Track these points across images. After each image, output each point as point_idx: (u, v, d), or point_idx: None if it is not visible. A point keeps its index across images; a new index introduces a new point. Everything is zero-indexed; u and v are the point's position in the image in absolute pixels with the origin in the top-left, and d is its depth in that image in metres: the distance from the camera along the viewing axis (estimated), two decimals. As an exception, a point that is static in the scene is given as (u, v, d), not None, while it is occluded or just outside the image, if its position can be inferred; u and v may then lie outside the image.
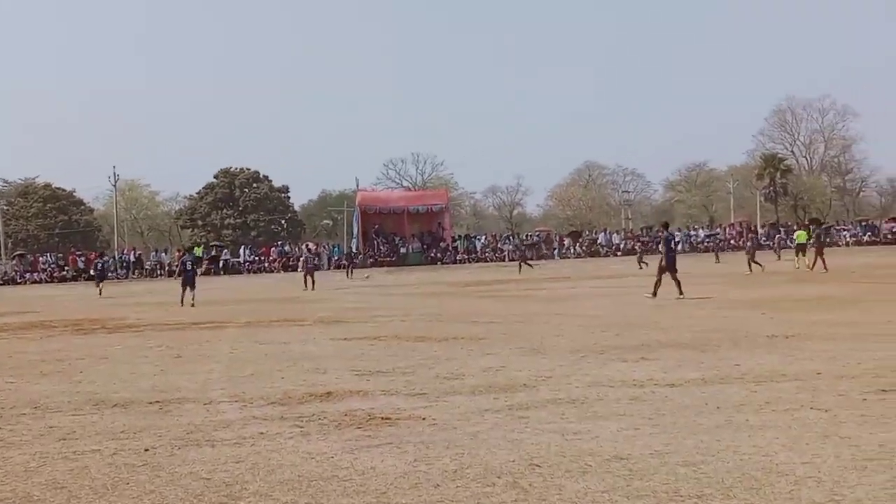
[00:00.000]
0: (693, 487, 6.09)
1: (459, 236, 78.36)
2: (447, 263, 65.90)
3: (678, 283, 24.45)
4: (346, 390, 10.57)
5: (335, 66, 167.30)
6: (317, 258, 55.79)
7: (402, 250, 69.89)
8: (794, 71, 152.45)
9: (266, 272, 67.15)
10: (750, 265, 38.90)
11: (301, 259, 48.77)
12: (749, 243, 43.29)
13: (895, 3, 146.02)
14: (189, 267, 32.56)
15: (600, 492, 6.08)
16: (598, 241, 73.82)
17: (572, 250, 70.46)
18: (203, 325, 21.37)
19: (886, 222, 78.52)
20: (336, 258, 69.97)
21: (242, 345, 16.48)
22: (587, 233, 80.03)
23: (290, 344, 16.34)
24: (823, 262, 38.28)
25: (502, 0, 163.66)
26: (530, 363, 12.39)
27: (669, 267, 24.94)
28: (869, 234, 73.68)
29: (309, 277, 41.00)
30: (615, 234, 76.78)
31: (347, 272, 55.98)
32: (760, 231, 75.58)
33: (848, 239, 72.35)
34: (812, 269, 37.82)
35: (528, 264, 48.46)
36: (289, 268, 68.07)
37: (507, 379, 11.07)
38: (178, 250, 74.60)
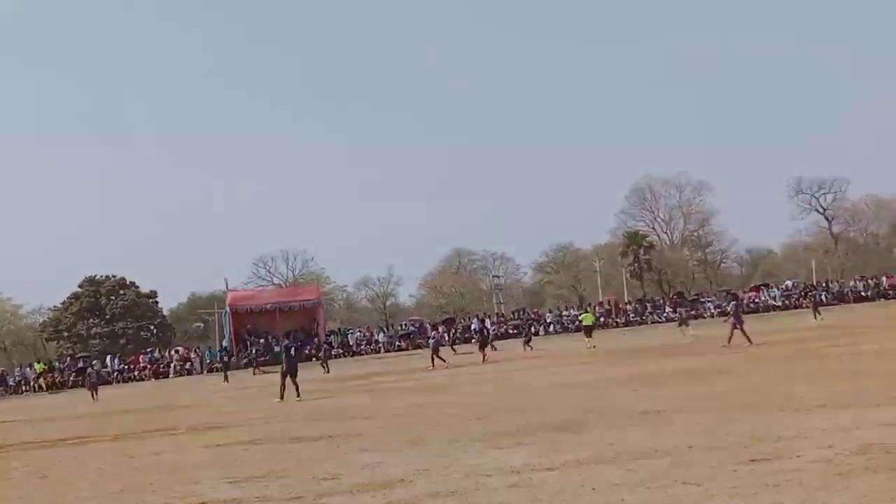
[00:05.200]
0: (572, 573, 6.10)
1: (333, 331, 77.82)
2: (330, 358, 65.26)
3: (295, 386, 27.27)
4: (219, 500, 10.32)
5: (200, 167, 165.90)
6: (97, 374, 55.41)
7: (276, 349, 68.98)
8: (651, 148, 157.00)
9: (136, 380, 65.27)
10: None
11: (87, 374, 53.95)
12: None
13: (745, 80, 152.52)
14: None
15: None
16: (472, 328, 73.97)
17: (447, 337, 70.51)
18: (70, 441, 20.65)
19: (747, 292, 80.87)
20: (209, 361, 68.63)
21: (113, 459, 15.97)
22: (461, 320, 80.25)
23: (162, 454, 15.91)
24: (483, 353, 41.62)
25: (369, 88, 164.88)
26: (408, 457, 12.31)
27: (290, 371, 27.70)
28: (732, 303, 75.58)
29: (93, 391, 43.97)
30: (487, 319, 77.07)
31: (224, 376, 53.08)
32: (628, 308, 77.07)
33: (713, 310, 74.03)
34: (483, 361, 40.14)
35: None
36: (160, 374, 66.50)
37: (384, 475, 10.97)
38: (43, 365, 72.38)
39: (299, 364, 28.61)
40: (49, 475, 14.55)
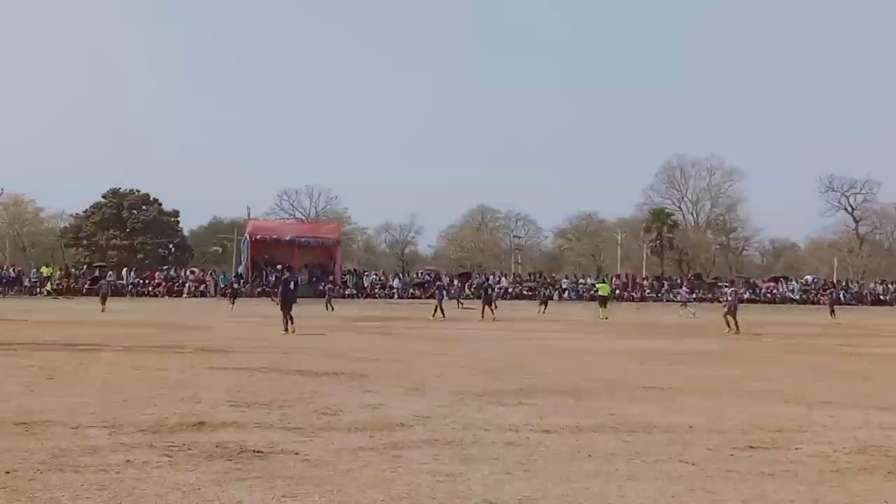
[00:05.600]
0: (558, 534, 6.14)
1: (349, 271, 78.07)
2: (335, 297, 65.51)
3: (290, 319, 27.99)
4: (219, 421, 10.41)
5: (234, 91, 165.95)
6: (109, 285, 54.98)
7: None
8: (686, 128, 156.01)
9: (150, 296, 65.76)
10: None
11: (99, 284, 55.16)
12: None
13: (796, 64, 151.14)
14: None
15: (466, 535, 6.09)
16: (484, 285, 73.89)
17: (453, 291, 70.58)
18: (79, 347, 20.85)
19: (765, 282, 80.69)
20: (223, 286, 69.02)
21: (118, 369, 16.12)
22: (477, 275, 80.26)
23: (168, 371, 16.03)
24: (490, 311, 42.07)
25: (409, 40, 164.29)
26: (409, 402, 12.38)
27: (286, 305, 28.51)
28: (749, 291, 75.58)
29: (103, 301, 44.92)
30: (503, 278, 77.21)
31: (231, 301, 52.54)
32: (645, 283, 76.91)
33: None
34: (482, 319, 40.80)
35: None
36: (174, 293, 66.94)
37: (384, 417, 11.04)
38: (61, 269, 72.91)
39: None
40: (55, 377, 14.72)
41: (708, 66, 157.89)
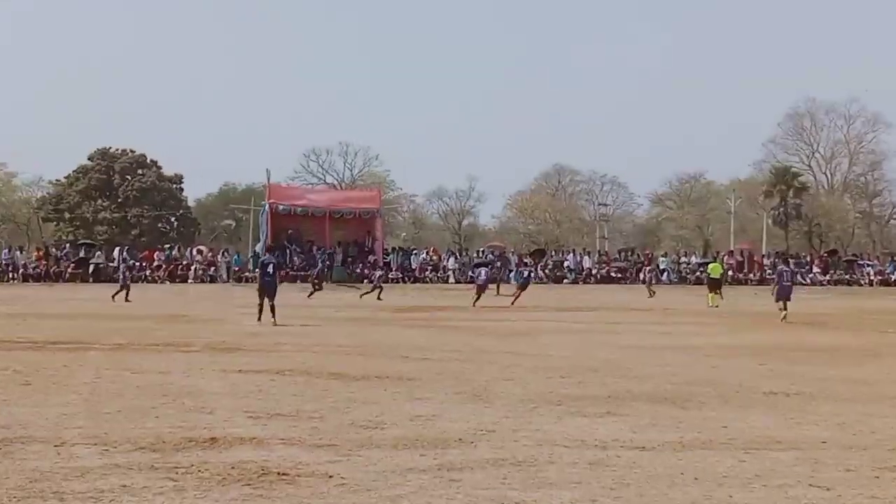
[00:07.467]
0: (657, 578, 6.17)
1: (393, 249, 78.09)
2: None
3: (271, 309, 28.87)
4: (235, 437, 10.53)
5: (252, 37, 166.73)
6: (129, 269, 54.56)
7: (319, 263, 69.26)
8: (817, 67, 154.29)
9: (147, 281, 66.14)
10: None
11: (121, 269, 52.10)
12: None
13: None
14: None
15: (542, 578, 6.13)
16: (566, 265, 73.48)
17: (534, 274, 70.39)
18: (62, 346, 21.12)
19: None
20: (238, 268, 69.39)
21: (109, 373, 16.32)
22: (553, 253, 79.93)
23: (171, 374, 16.22)
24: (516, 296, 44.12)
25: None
26: (469, 413, 12.42)
27: (266, 292, 29.46)
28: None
29: (126, 290, 44.55)
30: (587, 257, 76.63)
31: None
32: (766, 262, 76.00)
33: (872, 277, 72.65)
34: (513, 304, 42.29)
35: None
36: (176, 277, 67.38)
37: (438, 431, 11.09)
38: (38, 249, 73.75)
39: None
40: (33, 383, 14.92)
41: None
